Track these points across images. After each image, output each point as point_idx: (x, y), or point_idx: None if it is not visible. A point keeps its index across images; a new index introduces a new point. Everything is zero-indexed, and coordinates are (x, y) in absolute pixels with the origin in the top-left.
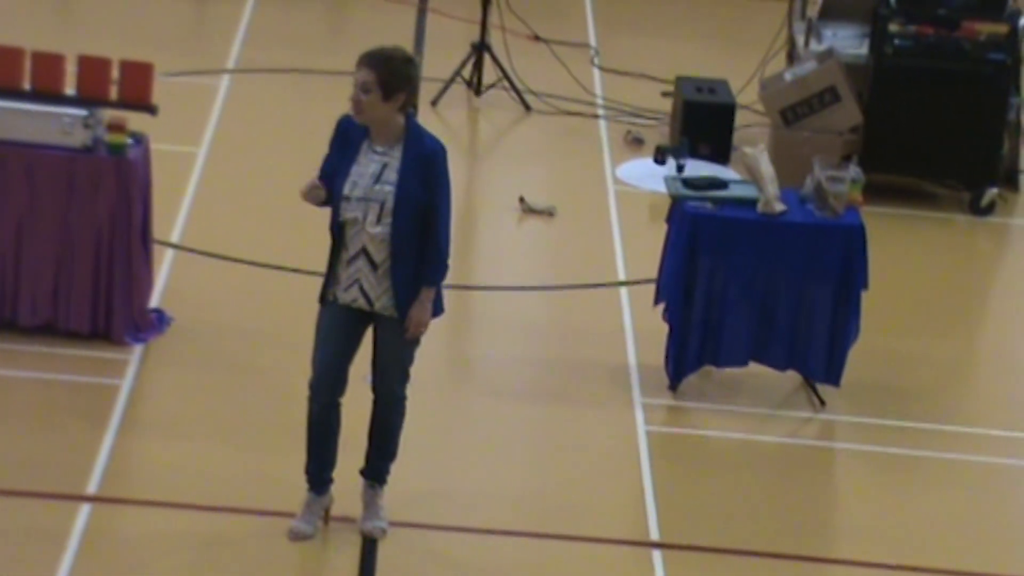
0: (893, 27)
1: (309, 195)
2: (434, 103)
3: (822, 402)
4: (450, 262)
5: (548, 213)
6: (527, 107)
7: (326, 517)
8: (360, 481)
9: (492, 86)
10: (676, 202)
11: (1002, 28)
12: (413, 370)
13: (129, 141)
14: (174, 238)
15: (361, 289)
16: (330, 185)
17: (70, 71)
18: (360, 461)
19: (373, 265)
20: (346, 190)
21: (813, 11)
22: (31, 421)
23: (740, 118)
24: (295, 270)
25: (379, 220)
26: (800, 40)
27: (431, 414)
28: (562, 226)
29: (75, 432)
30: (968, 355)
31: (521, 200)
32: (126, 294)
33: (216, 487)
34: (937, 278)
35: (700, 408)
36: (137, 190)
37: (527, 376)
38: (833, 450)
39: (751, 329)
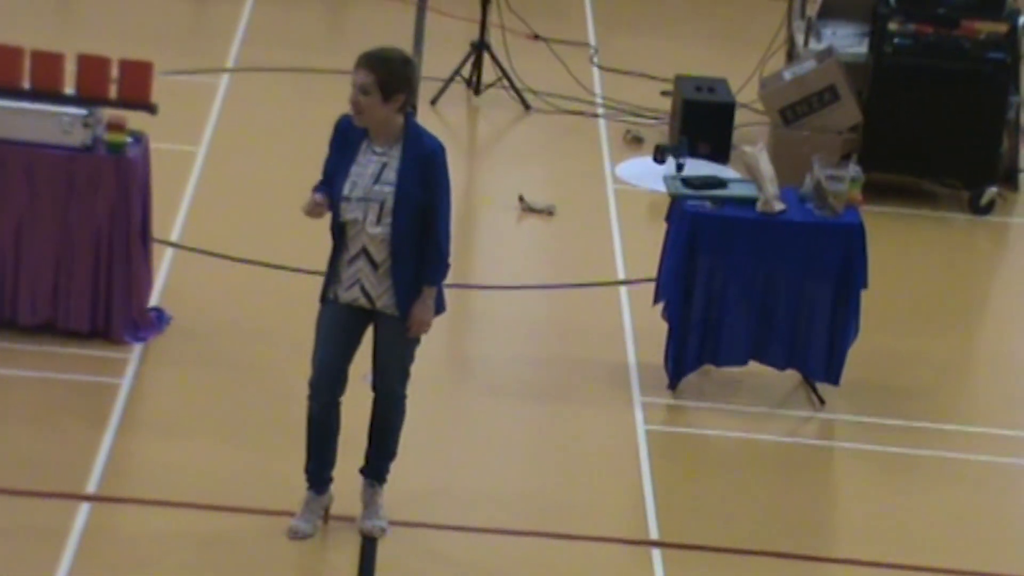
0: (892, 26)
1: (311, 213)
2: (433, 102)
3: (822, 401)
4: (450, 261)
5: (547, 212)
6: (526, 106)
7: (326, 516)
8: (360, 480)
9: (491, 85)
10: (675, 201)
11: (1002, 27)
12: (413, 369)
13: (129, 140)
14: (174, 237)
15: (362, 288)
16: (331, 186)
17: (70, 70)
18: (360, 460)
19: (374, 265)
20: (346, 190)
21: (812, 10)
22: (31, 420)
23: (739, 117)
24: (295, 269)
25: (379, 220)
26: (799, 39)
27: (431, 413)
28: (561, 225)
29: (75, 431)
30: (967, 354)
31: (521, 199)
32: (126, 293)
33: (216, 486)
34: (936, 277)
35: (700, 407)
36: (137, 189)
37: (527, 375)
38: (833, 449)
39: (751, 328)
